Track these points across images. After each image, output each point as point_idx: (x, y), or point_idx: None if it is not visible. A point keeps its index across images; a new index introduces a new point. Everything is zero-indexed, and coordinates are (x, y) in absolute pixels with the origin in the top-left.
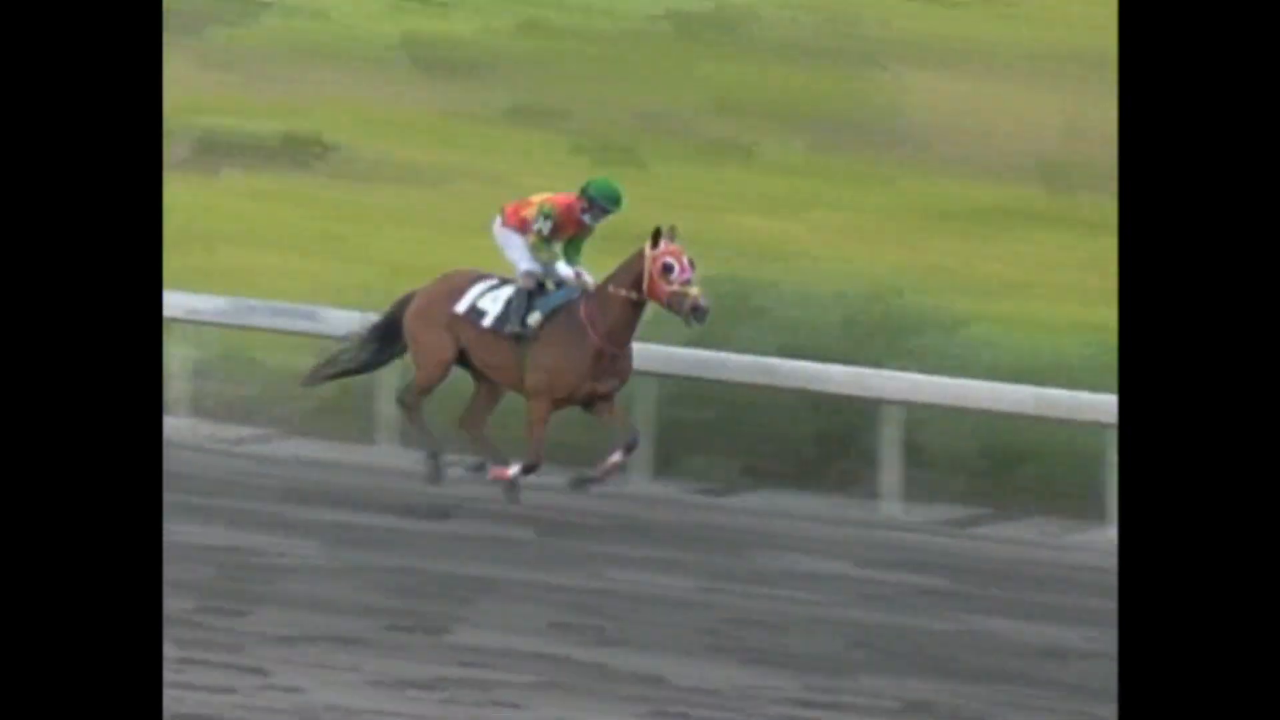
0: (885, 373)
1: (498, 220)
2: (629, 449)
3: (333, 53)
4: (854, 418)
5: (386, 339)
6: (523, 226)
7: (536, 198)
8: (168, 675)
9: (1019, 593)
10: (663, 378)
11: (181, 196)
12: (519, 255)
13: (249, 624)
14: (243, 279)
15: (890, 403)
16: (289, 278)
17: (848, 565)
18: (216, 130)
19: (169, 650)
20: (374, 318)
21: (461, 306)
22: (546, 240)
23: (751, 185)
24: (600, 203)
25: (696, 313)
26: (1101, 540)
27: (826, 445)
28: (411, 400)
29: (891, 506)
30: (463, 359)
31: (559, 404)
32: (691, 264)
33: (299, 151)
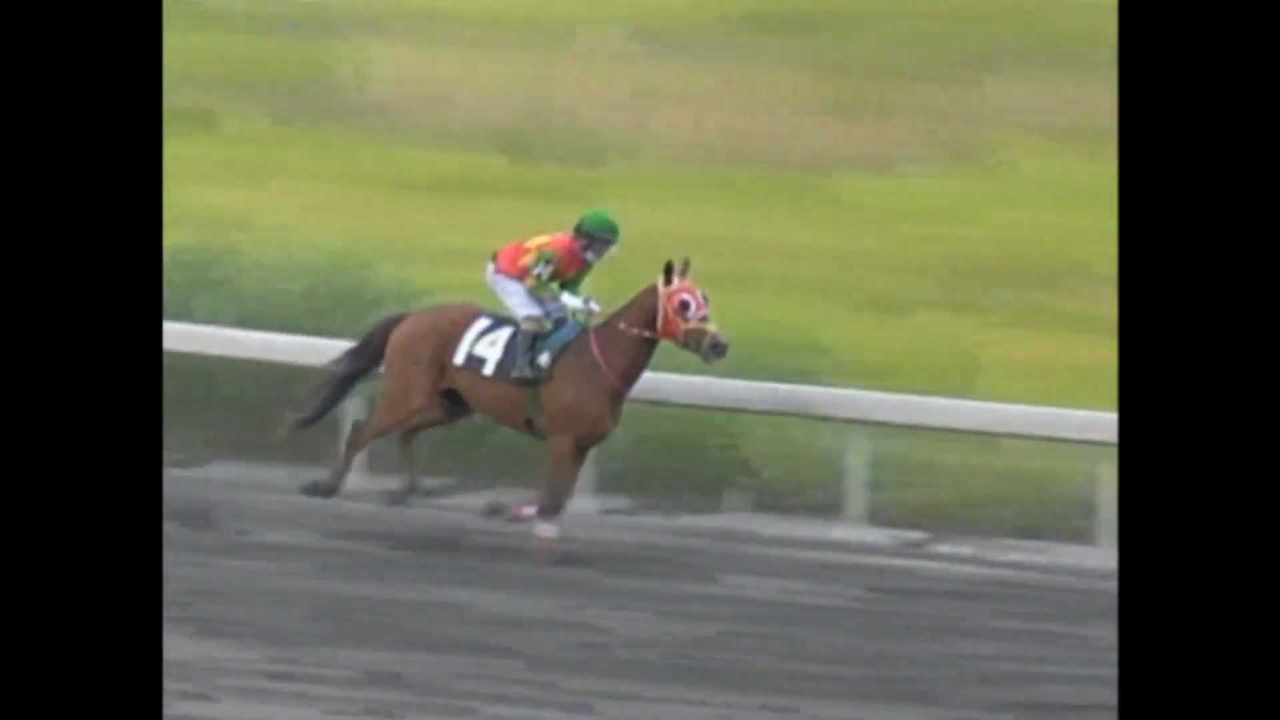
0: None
1: (491, 268)
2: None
3: None
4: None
5: (363, 354)
6: (521, 274)
7: (532, 242)
8: None
9: (481, 563)
10: None
11: None
12: (519, 302)
13: None
14: None
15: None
16: None
17: (311, 536)
18: None
19: None
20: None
21: (459, 357)
22: (547, 283)
23: (214, 155)
24: (600, 236)
25: (715, 349)
26: (576, 508)
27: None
28: (361, 440)
29: (355, 478)
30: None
31: (582, 443)
32: (705, 299)
33: None
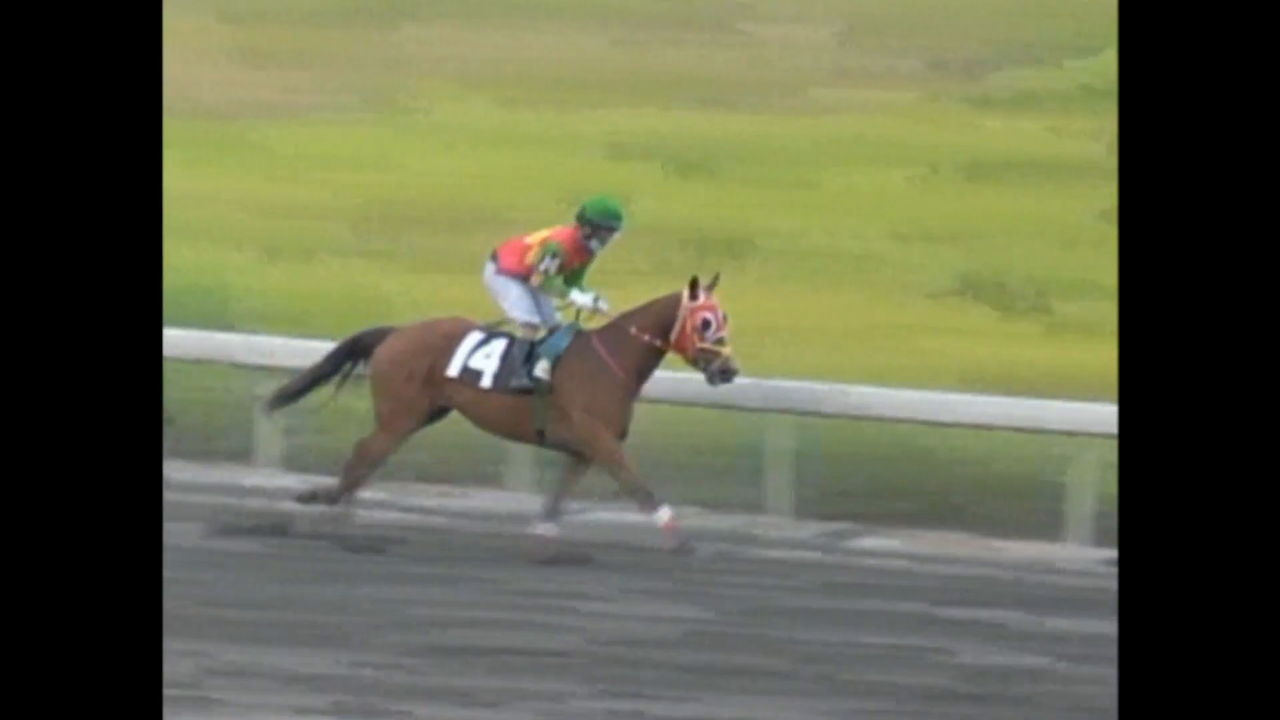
0: None
1: (490, 267)
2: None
3: None
4: None
5: (343, 358)
6: (525, 271)
7: (533, 237)
8: None
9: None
10: None
11: None
12: (517, 304)
13: None
14: None
15: None
16: None
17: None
18: None
19: None
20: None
21: (454, 370)
22: (555, 279)
23: None
24: (603, 225)
25: (725, 374)
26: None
27: None
28: (365, 465)
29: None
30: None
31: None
32: (726, 319)
33: None
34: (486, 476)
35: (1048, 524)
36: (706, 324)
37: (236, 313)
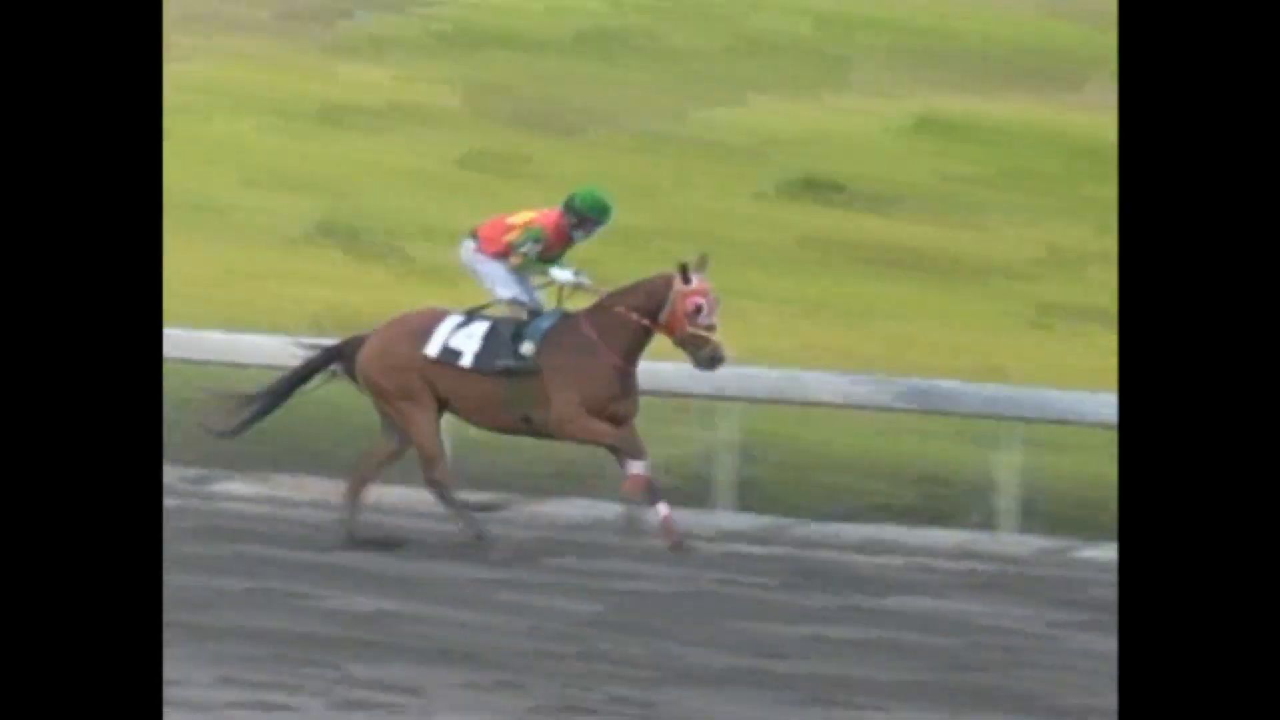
0: None
1: (469, 246)
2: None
3: None
4: None
5: (317, 367)
6: (505, 251)
7: (515, 219)
8: None
9: None
10: None
11: None
12: (499, 284)
13: None
14: None
15: None
16: None
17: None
18: None
19: None
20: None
21: (432, 349)
22: (534, 261)
23: None
24: (591, 217)
25: (714, 361)
26: None
27: None
28: (437, 475)
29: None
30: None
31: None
32: (717, 303)
33: None
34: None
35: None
36: (698, 309)
37: None
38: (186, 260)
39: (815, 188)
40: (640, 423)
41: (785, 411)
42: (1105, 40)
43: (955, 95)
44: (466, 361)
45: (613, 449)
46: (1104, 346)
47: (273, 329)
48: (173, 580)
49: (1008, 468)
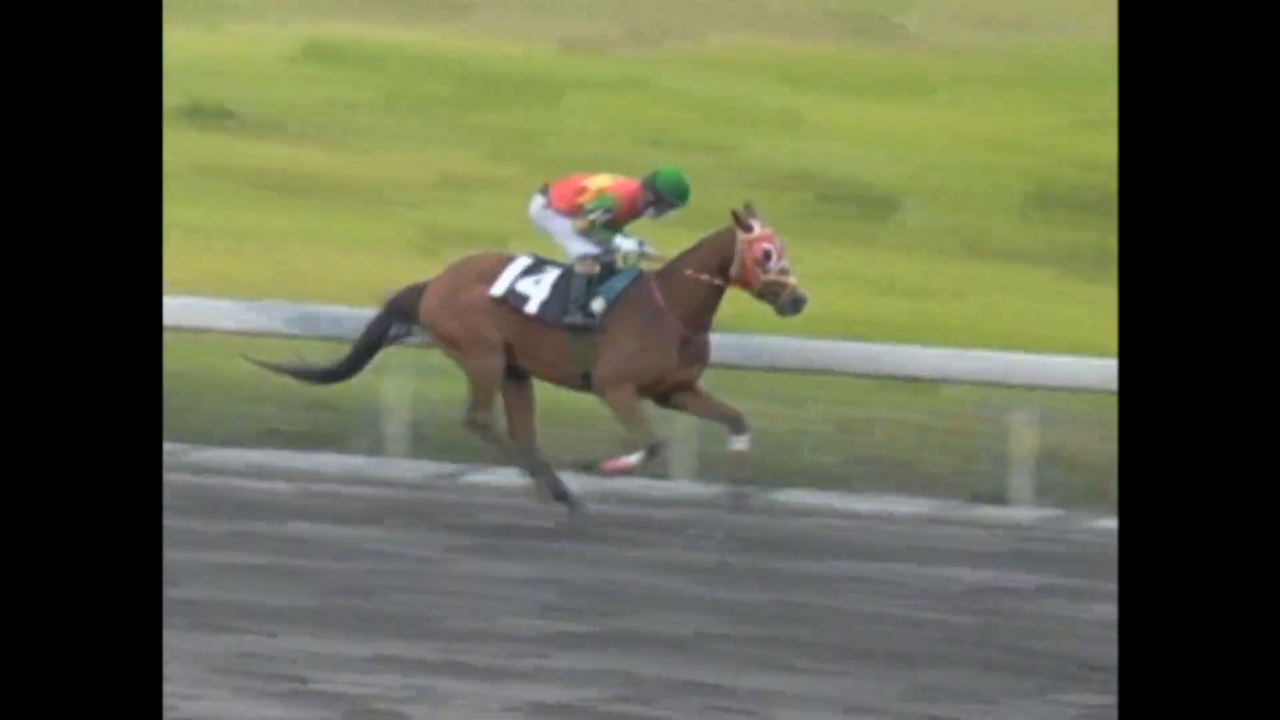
0: None
1: (539, 200)
2: (739, 430)
3: None
4: None
5: (384, 326)
6: (574, 211)
7: (593, 182)
8: None
9: None
10: None
11: None
12: (569, 240)
13: None
14: None
15: None
16: None
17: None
18: None
19: None
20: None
21: (498, 289)
22: (601, 228)
23: None
24: (670, 199)
25: (795, 304)
26: None
27: None
28: (481, 418)
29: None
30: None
31: (643, 391)
32: (784, 248)
33: None
34: None
35: None
36: (767, 255)
37: None
38: None
39: (204, 114)
40: None
41: (179, 338)
42: None
43: (342, 21)
44: (533, 308)
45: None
46: None
47: None
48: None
49: (397, 393)
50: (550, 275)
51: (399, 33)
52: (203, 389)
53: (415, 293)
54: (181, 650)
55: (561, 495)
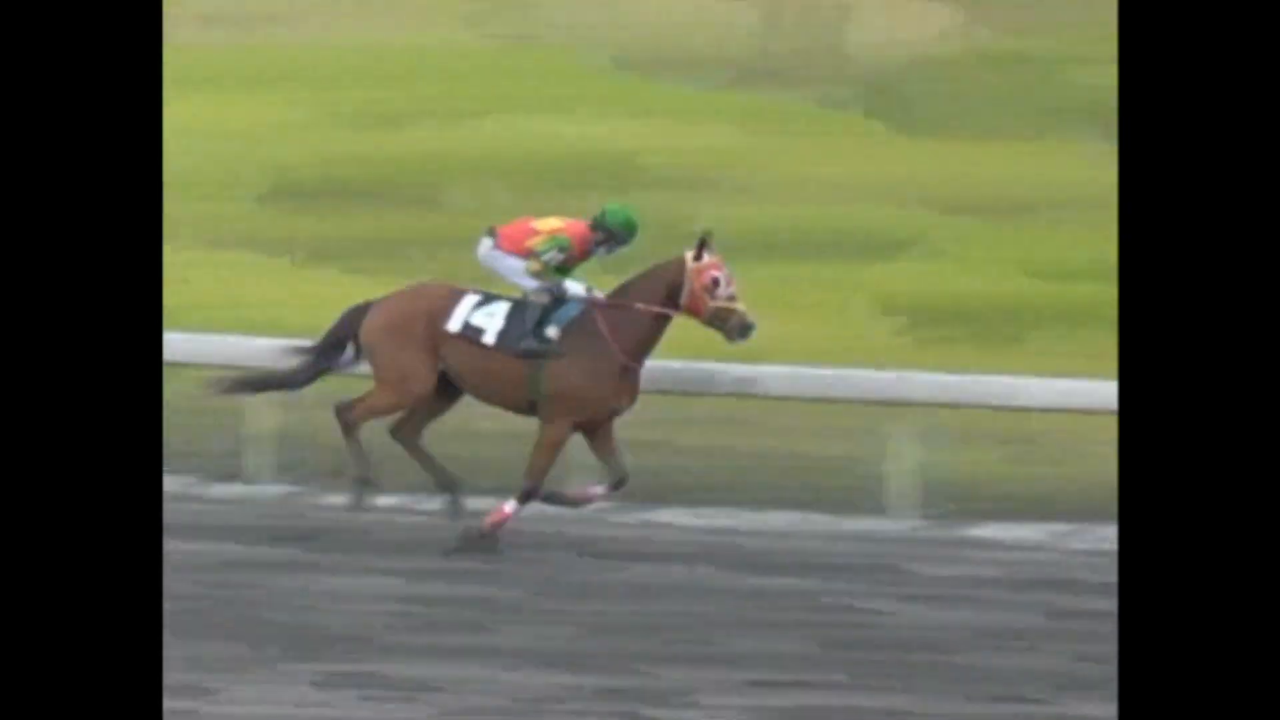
0: None
1: (487, 243)
2: (615, 488)
3: None
4: None
5: (325, 353)
6: (524, 254)
7: (542, 224)
8: None
9: None
10: None
11: None
12: (520, 279)
13: None
14: None
15: None
16: None
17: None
18: None
19: None
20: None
21: (454, 325)
22: (552, 270)
23: None
24: (620, 236)
25: (744, 330)
26: None
27: None
28: (354, 417)
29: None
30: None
31: (579, 425)
32: (732, 276)
33: None
34: None
35: None
36: (715, 282)
37: None
38: None
39: None
40: None
41: None
42: None
43: None
44: (489, 339)
45: (532, 465)
46: None
47: None
48: None
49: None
50: (502, 307)
51: None
52: None
53: (364, 311)
54: None
55: (358, 506)
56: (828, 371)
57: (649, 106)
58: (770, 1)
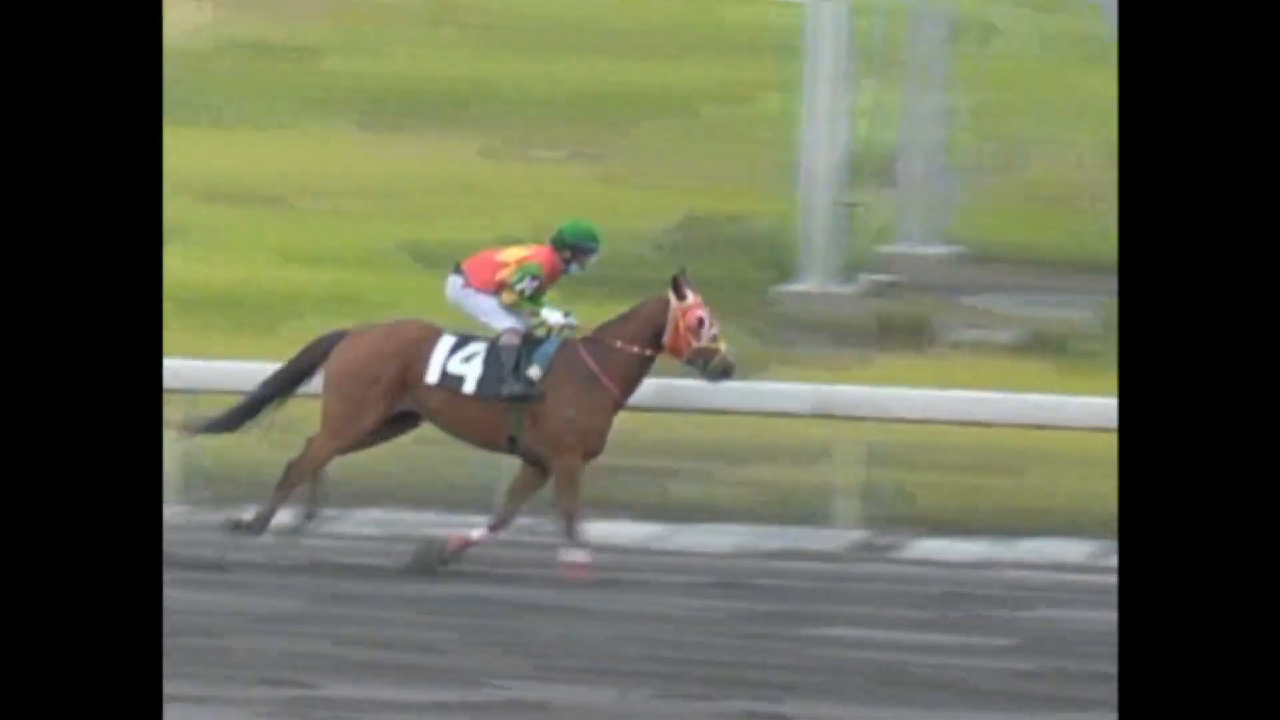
0: None
1: (456, 281)
2: (497, 527)
3: None
4: None
5: (294, 380)
6: (496, 288)
7: (506, 255)
8: None
9: None
10: None
11: None
12: (493, 316)
13: None
14: None
15: None
16: None
17: None
18: None
19: None
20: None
21: (432, 376)
22: (530, 299)
23: None
24: (583, 247)
25: (725, 371)
26: None
27: None
28: (299, 476)
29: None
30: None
31: (586, 456)
32: (716, 316)
33: None
34: None
35: None
36: (700, 322)
37: None
38: None
39: None
40: None
41: None
42: None
43: None
44: (469, 388)
45: (562, 503)
46: None
47: None
48: None
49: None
50: (478, 350)
51: None
52: None
53: (337, 338)
54: None
55: (238, 526)
56: None
57: None
58: None
